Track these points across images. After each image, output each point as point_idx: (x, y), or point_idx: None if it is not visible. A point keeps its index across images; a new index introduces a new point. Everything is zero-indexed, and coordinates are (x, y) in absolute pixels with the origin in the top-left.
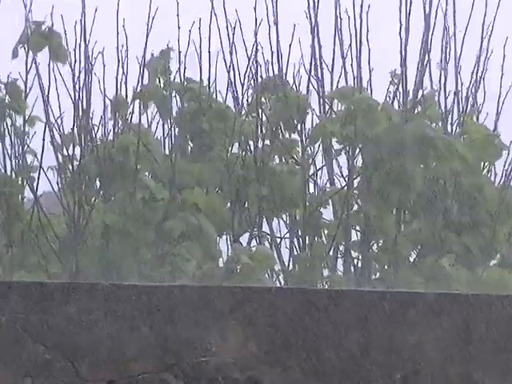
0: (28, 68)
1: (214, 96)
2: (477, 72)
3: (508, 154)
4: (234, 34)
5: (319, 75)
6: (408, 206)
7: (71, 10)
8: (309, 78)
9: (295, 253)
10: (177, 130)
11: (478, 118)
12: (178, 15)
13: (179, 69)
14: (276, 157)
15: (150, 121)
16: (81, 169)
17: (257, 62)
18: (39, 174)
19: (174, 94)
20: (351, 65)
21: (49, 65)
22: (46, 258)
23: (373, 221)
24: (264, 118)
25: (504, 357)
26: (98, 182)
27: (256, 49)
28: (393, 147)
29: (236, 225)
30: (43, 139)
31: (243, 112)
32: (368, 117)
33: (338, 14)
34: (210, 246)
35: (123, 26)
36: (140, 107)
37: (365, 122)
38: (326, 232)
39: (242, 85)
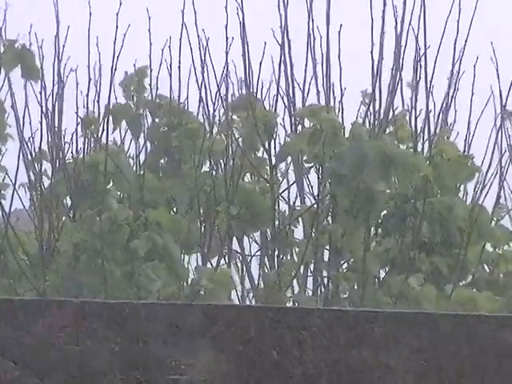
0: (0, 85)
1: (185, 114)
2: (448, 92)
3: (481, 175)
4: (204, 53)
5: (290, 93)
6: (375, 224)
7: (44, 27)
8: (277, 96)
9: (264, 271)
10: (148, 147)
11: (448, 138)
12: (149, 31)
13: (150, 86)
14: (247, 175)
15: (122, 138)
16: (51, 187)
17: (227, 80)
18: (13, 191)
19: (145, 112)
20: (322, 84)
21: (24, 84)
22: (16, 276)
23: (341, 239)
24: (235, 137)
25: (476, 374)
26: (68, 200)
27: (227, 67)
28: (354, 164)
29: (205, 244)
30: (18, 156)
31: (214, 130)
32: (333, 136)
33: (310, 33)
34: (175, 265)
35: (96, 45)
36: (108, 125)
37: (330, 141)
38: (296, 250)
39: (214, 103)
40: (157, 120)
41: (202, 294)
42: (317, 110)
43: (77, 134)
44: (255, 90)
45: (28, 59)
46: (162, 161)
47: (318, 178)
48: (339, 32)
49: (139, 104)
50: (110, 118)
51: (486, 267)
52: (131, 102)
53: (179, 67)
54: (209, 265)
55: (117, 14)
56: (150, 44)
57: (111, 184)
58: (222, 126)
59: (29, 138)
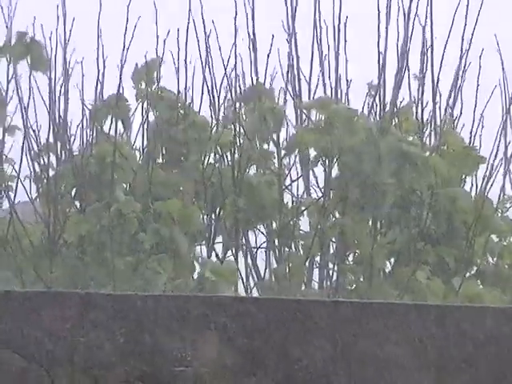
0: (9, 78)
1: (191, 105)
2: (455, 84)
3: (487, 167)
4: (209, 45)
5: (296, 85)
6: (383, 217)
7: (51, 20)
8: (286, 89)
9: (271, 264)
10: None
11: (453, 129)
12: (156, 23)
13: (158, 78)
14: (253, 167)
15: (126, 131)
16: (57, 179)
17: (235, 72)
18: (17, 183)
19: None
20: (329, 76)
21: (30, 76)
22: (21, 267)
23: (348, 232)
24: (241, 129)
25: (475, 367)
26: (73, 192)
27: (234, 60)
28: (369, 160)
29: (212, 236)
30: (22, 148)
31: (220, 122)
32: (345, 128)
33: (316, 26)
34: (182, 258)
35: (100, 37)
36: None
37: (342, 132)
38: (302, 243)
39: (219, 95)
40: (157, 113)
41: (207, 287)
42: (326, 103)
43: (83, 127)
44: (263, 82)
45: (37, 51)
46: (165, 153)
47: (325, 170)
48: (345, 24)
49: (144, 97)
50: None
51: (490, 259)
52: (140, 96)
53: (185, 60)
54: (214, 257)
55: (127, 6)
56: (157, 37)
57: (116, 176)
58: (229, 117)
59: (33, 130)
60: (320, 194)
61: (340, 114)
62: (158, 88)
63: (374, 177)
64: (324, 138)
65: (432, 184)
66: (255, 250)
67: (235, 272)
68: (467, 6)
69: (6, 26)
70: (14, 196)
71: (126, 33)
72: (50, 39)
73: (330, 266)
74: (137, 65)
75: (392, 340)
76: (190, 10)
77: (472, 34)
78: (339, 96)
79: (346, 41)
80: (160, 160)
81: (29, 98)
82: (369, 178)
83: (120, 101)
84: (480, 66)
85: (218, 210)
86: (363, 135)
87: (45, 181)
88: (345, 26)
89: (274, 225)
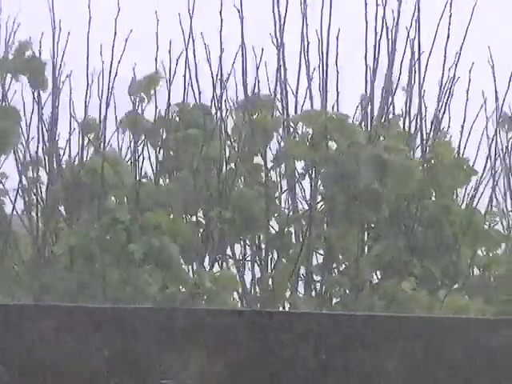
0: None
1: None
2: (442, 97)
3: (476, 180)
4: (195, 57)
5: (283, 99)
6: (370, 227)
7: (40, 31)
8: (273, 101)
9: (258, 276)
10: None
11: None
12: (157, 33)
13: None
14: (242, 180)
15: (120, 144)
16: (48, 192)
17: (224, 84)
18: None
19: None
20: (319, 88)
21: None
22: (11, 280)
23: (334, 243)
24: (231, 141)
25: (463, 378)
26: (63, 205)
27: (221, 73)
28: (350, 168)
29: (202, 248)
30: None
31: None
32: (340, 135)
33: (305, 38)
34: (174, 268)
35: (87, 50)
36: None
37: (337, 138)
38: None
39: (210, 107)
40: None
41: (202, 296)
42: (314, 116)
43: (70, 140)
44: (252, 95)
45: (38, 68)
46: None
47: (311, 183)
48: (337, 37)
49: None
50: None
51: (477, 271)
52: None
53: (169, 71)
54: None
55: (115, 20)
56: (157, 48)
57: (109, 190)
58: (218, 130)
59: (22, 143)
60: (307, 207)
61: (333, 120)
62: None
63: (353, 185)
64: (312, 151)
65: (417, 194)
66: (241, 261)
67: (235, 279)
68: (449, 17)
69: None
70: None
71: (113, 45)
72: (40, 52)
73: (317, 277)
74: (133, 78)
75: (383, 351)
76: (180, 20)
77: (461, 47)
78: (327, 109)
79: (336, 53)
80: (151, 171)
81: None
82: (351, 186)
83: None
84: (469, 80)
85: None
86: (357, 138)
87: (33, 194)
88: (336, 40)
89: (262, 237)
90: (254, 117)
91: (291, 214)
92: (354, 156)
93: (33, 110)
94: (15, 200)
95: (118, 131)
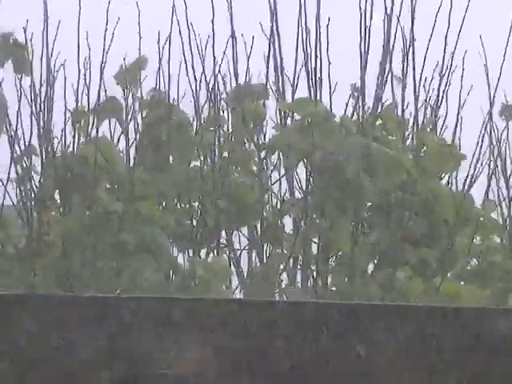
0: None
1: (173, 108)
2: (439, 86)
3: (470, 166)
4: (191, 46)
5: (280, 87)
6: (361, 217)
7: (33, 21)
8: (265, 89)
9: (253, 265)
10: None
11: (437, 131)
12: (139, 24)
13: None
14: (235, 169)
15: (112, 133)
16: (40, 181)
17: (215, 74)
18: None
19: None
20: (312, 77)
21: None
22: (3, 270)
23: (328, 233)
24: (223, 130)
25: (459, 368)
26: (57, 195)
27: (214, 61)
28: (335, 159)
29: (195, 237)
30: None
31: (203, 124)
32: (321, 129)
33: (299, 26)
34: (165, 257)
35: (86, 39)
36: (96, 119)
37: (317, 134)
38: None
39: (199, 96)
40: (144, 113)
41: (196, 285)
42: (304, 103)
43: (65, 129)
44: (244, 84)
45: (19, 53)
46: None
47: (306, 171)
48: (327, 26)
49: (133, 99)
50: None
51: (474, 259)
52: (122, 97)
53: (168, 62)
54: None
55: (107, 11)
56: (140, 38)
57: (101, 177)
58: (211, 119)
59: (16, 132)
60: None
61: (316, 115)
62: (140, 89)
63: (347, 175)
64: (302, 139)
65: (406, 183)
66: (239, 251)
67: (227, 268)
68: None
69: None
70: (3, 200)
71: (105, 34)
72: (31, 41)
73: (313, 267)
74: (122, 66)
75: (379, 341)
76: (173, 10)
77: (458, 35)
78: (320, 97)
79: (327, 43)
80: (143, 161)
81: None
82: (344, 176)
83: (113, 101)
84: (463, 68)
85: (201, 211)
86: (338, 137)
87: (27, 183)
88: (327, 28)
89: (258, 226)
90: (245, 104)
91: (284, 203)
92: (341, 146)
93: (28, 98)
94: (5, 189)
95: (107, 118)
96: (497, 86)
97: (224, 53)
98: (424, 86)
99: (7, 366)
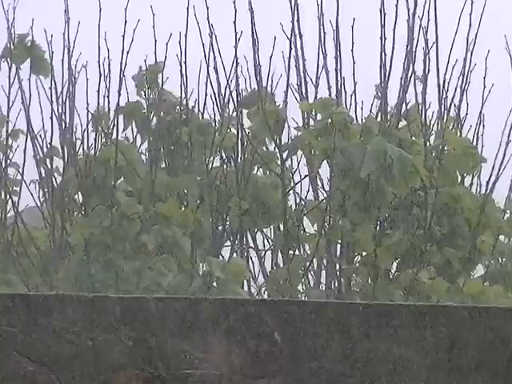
0: (11, 81)
1: (194, 108)
2: (461, 85)
3: (493, 167)
4: (210, 48)
5: (303, 88)
6: (384, 217)
7: (54, 23)
8: (287, 91)
9: (278, 266)
10: (157, 143)
11: (461, 131)
12: (153, 27)
13: (162, 81)
14: (257, 169)
15: (134, 135)
16: (62, 183)
17: (237, 75)
18: (20, 188)
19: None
20: (336, 78)
21: (29, 79)
22: (27, 272)
23: (351, 234)
24: (245, 131)
25: (487, 368)
26: (79, 196)
27: (236, 61)
28: (359, 160)
29: (217, 238)
30: (24, 151)
31: (224, 125)
32: (344, 130)
33: (321, 28)
34: (185, 259)
35: (105, 40)
36: (118, 121)
37: (340, 135)
38: (307, 245)
39: (224, 98)
40: (164, 115)
41: (215, 286)
42: (326, 104)
43: (88, 131)
44: (265, 85)
45: (37, 54)
46: (168, 156)
47: (330, 172)
48: (352, 26)
49: (150, 102)
50: (121, 116)
51: (499, 259)
52: (143, 99)
53: (185, 62)
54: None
55: (125, 9)
56: (155, 41)
57: (122, 179)
58: (232, 120)
59: (38, 134)
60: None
61: (339, 115)
62: (159, 92)
63: (366, 178)
64: (324, 140)
65: (422, 185)
66: (263, 252)
67: (244, 269)
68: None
69: (8, 29)
70: (18, 200)
71: (124, 36)
72: (51, 42)
73: (336, 267)
74: (140, 68)
75: (404, 341)
76: (193, 13)
77: (476, 34)
78: (344, 98)
79: (352, 43)
80: (164, 163)
81: (29, 100)
82: (366, 178)
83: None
84: (486, 68)
85: (223, 212)
86: (358, 138)
87: (50, 185)
88: (351, 29)
89: (281, 227)
90: (267, 106)
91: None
92: (362, 148)
93: (49, 99)
94: (19, 189)
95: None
96: None
97: (244, 56)
98: (446, 85)
99: (36, 368)
